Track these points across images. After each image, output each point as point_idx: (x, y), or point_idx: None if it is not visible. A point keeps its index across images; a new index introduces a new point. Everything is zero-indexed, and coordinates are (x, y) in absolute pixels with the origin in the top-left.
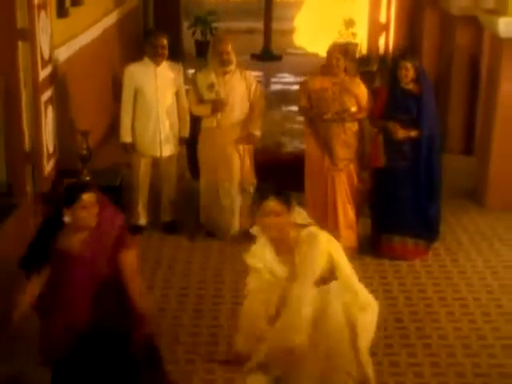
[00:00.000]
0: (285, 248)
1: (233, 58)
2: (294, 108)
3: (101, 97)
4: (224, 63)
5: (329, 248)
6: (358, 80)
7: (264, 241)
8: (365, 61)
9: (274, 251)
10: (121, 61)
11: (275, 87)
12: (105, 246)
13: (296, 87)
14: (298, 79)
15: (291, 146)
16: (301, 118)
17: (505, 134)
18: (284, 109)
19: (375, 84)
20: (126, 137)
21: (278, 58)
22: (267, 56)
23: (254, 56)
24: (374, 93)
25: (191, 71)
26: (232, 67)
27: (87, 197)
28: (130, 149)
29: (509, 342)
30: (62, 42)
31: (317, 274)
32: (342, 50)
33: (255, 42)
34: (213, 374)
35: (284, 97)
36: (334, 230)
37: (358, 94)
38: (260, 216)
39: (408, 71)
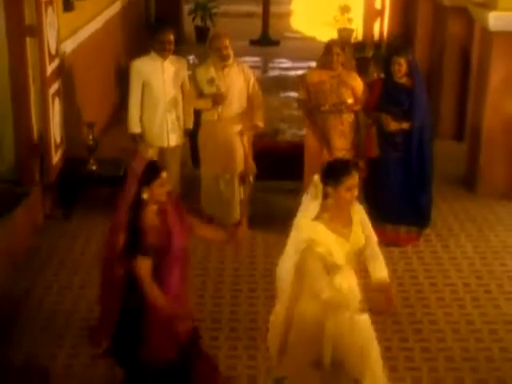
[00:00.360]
0: (342, 221)
1: (231, 52)
2: (293, 94)
3: (104, 86)
4: (223, 58)
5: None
6: (354, 73)
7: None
8: (360, 47)
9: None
10: (124, 49)
11: (273, 73)
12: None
13: (294, 73)
14: (296, 65)
15: (289, 132)
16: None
17: (494, 122)
18: (282, 95)
19: (370, 70)
20: (135, 128)
21: (276, 43)
22: (265, 41)
23: (252, 42)
24: (369, 86)
25: (191, 57)
26: (230, 61)
27: (165, 174)
28: (139, 139)
29: (495, 327)
30: (67, 35)
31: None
32: (342, 46)
33: (254, 27)
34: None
35: (282, 83)
36: None
37: (355, 86)
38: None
39: (401, 66)
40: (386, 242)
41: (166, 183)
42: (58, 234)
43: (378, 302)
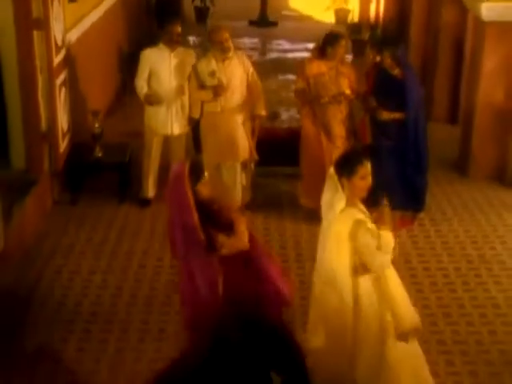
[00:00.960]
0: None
1: (231, 44)
2: (291, 76)
3: (107, 71)
4: (225, 50)
5: None
6: (348, 63)
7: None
8: (356, 29)
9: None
10: (125, 34)
11: (271, 55)
12: None
13: (292, 55)
14: (294, 46)
15: (287, 115)
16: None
17: (486, 109)
18: (280, 77)
19: (366, 52)
20: (144, 89)
21: (274, 23)
22: (264, 22)
23: (251, 22)
24: (365, 75)
25: (191, 38)
26: (231, 53)
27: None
28: (150, 99)
29: (484, 311)
30: (72, 25)
31: None
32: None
33: (252, 5)
34: None
35: (280, 65)
36: None
37: (350, 76)
38: (358, 178)
39: (386, 59)
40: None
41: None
42: (66, 219)
43: None
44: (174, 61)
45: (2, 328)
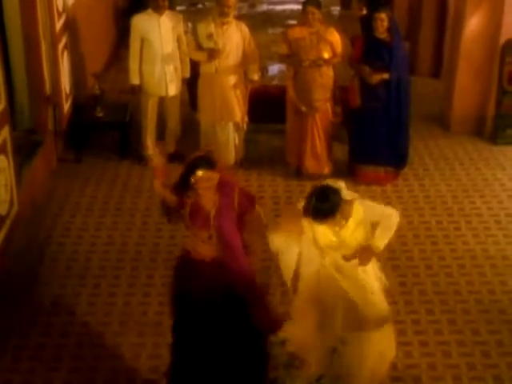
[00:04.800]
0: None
1: (232, 11)
2: (281, 30)
3: (104, 27)
4: (223, 14)
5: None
6: (331, 29)
7: None
8: None
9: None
10: None
11: (261, 8)
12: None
13: (281, 7)
14: None
15: (277, 69)
16: None
17: (467, 68)
18: (270, 31)
19: (352, 6)
20: (135, 79)
21: None
22: None
23: None
24: (351, 40)
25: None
26: (230, 19)
27: (201, 177)
28: (138, 90)
29: (463, 262)
30: None
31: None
32: (316, 4)
33: None
34: None
35: (269, 18)
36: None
37: (333, 41)
38: None
39: (383, 21)
40: (367, 182)
41: (204, 180)
42: (71, 176)
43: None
44: (163, 25)
45: (19, 284)
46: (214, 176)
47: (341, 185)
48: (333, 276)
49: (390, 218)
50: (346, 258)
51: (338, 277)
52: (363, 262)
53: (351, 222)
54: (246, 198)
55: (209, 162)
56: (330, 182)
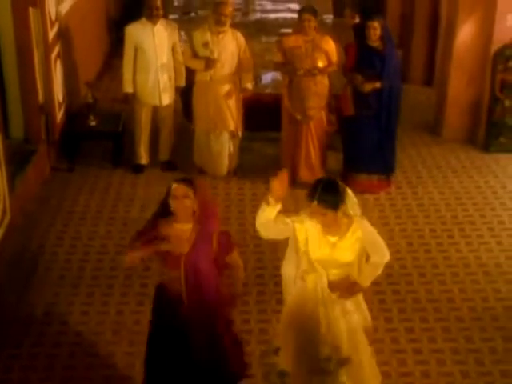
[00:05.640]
0: (333, 230)
1: (228, 20)
2: (275, 38)
3: (97, 36)
4: (220, 23)
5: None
6: (327, 37)
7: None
8: None
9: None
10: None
11: (254, 16)
12: (208, 247)
13: (274, 15)
14: (277, 7)
15: (271, 78)
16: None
17: (459, 76)
18: (264, 39)
19: (345, 13)
20: (128, 88)
21: None
22: None
23: None
24: (344, 49)
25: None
26: (226, 28)
27: (175, 187)
28: (131, 98)
29: (456, 270)
30: None
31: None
32: (312, 12)
33: None
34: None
35: (263, 26)
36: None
37: (328, 49)
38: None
39: (376, 30)
40: (361, 190)
41: (182, 198)
42: (64, 185)
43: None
44: (157, 34)
45: (11, 293)
46: (190, 193)
47: (348, 189)
48: (315, 300)
49: (383, 258)
50: (331, 287)
51: (319, 301)
52: (344, 295)
53: (351, 234)
54: (225, 238)
55: (187, 180)
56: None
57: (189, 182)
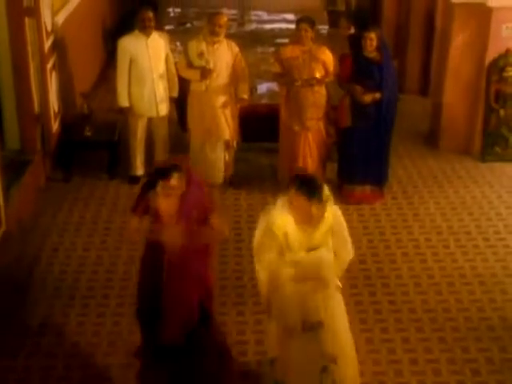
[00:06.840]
0: (306, 221)
1: (223, 31)
2: (271, 49)
3: (93, 47)
4: (215, 34)
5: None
6: (324, 47)
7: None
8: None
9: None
10: (109, 9)
11: (249, 27)
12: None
13: (270, 26)
14: (272, 17)
15: (266, 88)
16: None
17: (454, 86)
18: (259, 50)
19: (341, 24)
20: (124, 102)
21: None
22: None
23: None
24: (340, 59)
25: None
26: (221, 38)
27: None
28: (127, 112)
29: (452, 280)
30: (59, 7)
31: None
32: (309, 22)
33: None
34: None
35: (258, 37)
36: None
37: (325, 60)
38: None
39: (372, 41)
40: (356, 202)
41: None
42: (59, 196)
43: None
44: (151, 46)
45: (6, 305)
46: (179, 181)
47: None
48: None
49: (349, 255)
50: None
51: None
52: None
53: (323, 225)
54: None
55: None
56: None
57: (176, 168)
